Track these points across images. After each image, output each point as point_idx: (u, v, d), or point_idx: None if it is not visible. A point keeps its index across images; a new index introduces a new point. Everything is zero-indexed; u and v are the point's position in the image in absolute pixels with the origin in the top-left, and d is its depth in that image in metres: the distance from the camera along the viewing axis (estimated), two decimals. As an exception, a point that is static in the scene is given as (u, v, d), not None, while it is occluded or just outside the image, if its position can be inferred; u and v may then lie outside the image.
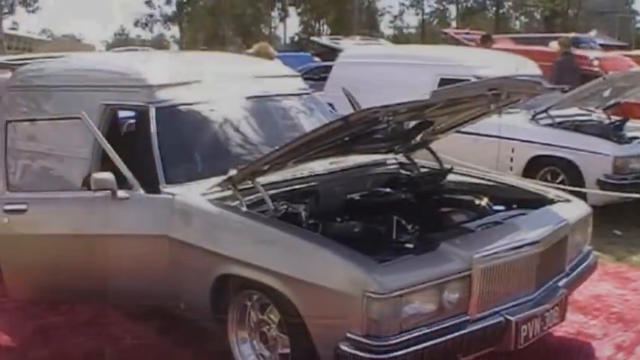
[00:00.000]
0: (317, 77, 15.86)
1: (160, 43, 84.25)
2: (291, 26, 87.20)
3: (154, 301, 5.59)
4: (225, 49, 49.27)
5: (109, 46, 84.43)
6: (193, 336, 5.64)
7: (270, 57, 9.70)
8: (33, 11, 75.02)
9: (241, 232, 4.81)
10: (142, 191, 5.31)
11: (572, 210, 5.46)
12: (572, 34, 28.80)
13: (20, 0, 73.66)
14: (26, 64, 8.33)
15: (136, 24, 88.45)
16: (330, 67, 13.71)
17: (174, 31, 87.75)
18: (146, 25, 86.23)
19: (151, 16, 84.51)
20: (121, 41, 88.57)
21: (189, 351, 5.63)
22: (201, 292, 4.98)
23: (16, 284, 5.87)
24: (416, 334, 4.16)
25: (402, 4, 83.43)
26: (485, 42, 14.19)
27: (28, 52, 46.65)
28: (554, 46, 13.67)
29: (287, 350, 4.63)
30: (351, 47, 16.22)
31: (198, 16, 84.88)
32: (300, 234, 4.59)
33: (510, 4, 79.33)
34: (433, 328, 4.23)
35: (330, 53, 23.88)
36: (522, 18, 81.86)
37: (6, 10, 70.46)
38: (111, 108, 5.99)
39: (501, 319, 4.48)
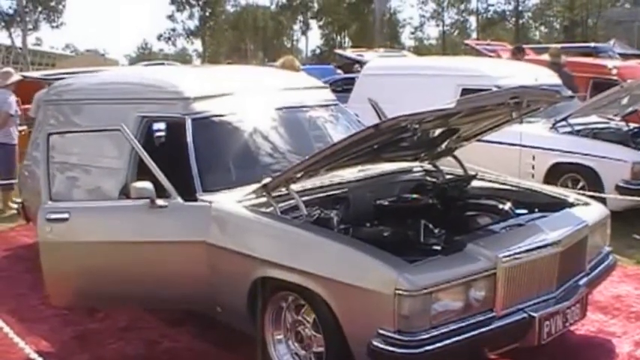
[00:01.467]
0: (340, 89, 16.00)
1: (182, 57, 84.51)
2: (312, 39, 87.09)
3: (191, 305, 5.80)
4: (247, 63, 49.50)
5: (132, 61, 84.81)
6: (229, 339, 5.81)
7: (295, 70, 9.86)
8: (57, 27, 75.37)
9: (277, 236, 5.00)
10: (179, 199, 5.50)
11: (591, 212, 5.65)
12: (592, 44, 28.88)
13: (44, 16, 74.00)
14: (61, 78, 8.59)
15: (158, 38, 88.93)
16: (354, 79, 13.85)
17: (197, 45, 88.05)
18: (169, 39, 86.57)
19: (174, 30, 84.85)
20: (144, 56, 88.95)
21: (225, 354, 5.81)
22: (238, 295, 5.18)
23: (58, 291, 6.01)
24: (444, 329, 4.35)
25: (423, 16, 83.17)
26: (518, 54, 14.25)
27: (52, 67, 47.05)
28: (546, 57, 13.76)
29: (321, 349, 4.82)
30: (375, 59, 16.34)
31: (221, 30, 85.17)
32: (333, 237, 4.81)
33: (530, 14, 79.04)
34: (461, 324, 4.42)
35: (351, 65, 24.05)
36: (542, 28, 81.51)
37: (30, 27, 70.86)
38: (147, 120, 6.21)
39: (525, 315, 4.67)
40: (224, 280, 5.32)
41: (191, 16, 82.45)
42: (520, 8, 77.02)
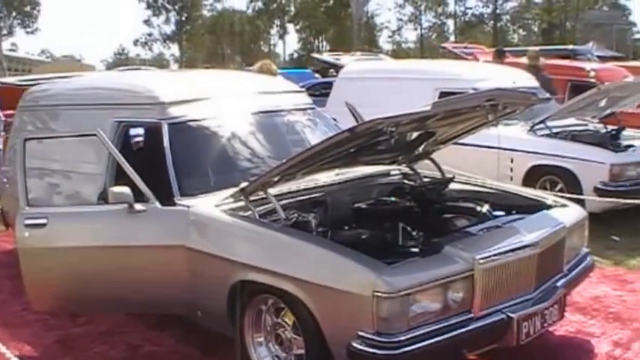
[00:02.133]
0: (318, 93, 16.03)
1: (160, 62, 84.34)
2: (290, 43, 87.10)
3: (172, 309, 5.79)
4: (225, 67, 49.45)
5: (109, 66, 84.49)
6: (211, 342, 5.82)
7: (272, 74, 9.87)
8: (32, 32, 75.15)
9: (255, 240, 5.02)
10: (157, 204, 5.50)
11: (568, 214, 5.68)
12: (570, 47, 29.05)
13: (19, 21, 73.74)
14: (37, 84, 8.56)
15: (135, 43, 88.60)
16: (331, 83, 13.88)
17: (174, 49, 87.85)
18: (145, 44, 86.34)
19: (150, 35, 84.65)
20: (121, 61, 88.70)
21: (207, 357, 5.81)
22: (217, 298, 5.18)
23: (38, 296, 5.99)
24: (423, 331, 4.37)
25: (400, 20, 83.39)
26: (500, 57, 14.30)
27: (28, 73, 46.83)
28: (524, 59, 13.84)
29: (301, 351, 4.82)
30: (352, 63, 16.38)
31: (197, 35, 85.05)
32: (311, 240, 4.82)
33: (508, 17, 79.42)
34: (439, 326, 4.44)
35: (329, 70, 24.10)
36: (520, 31, 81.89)
37: (5, 32, 70.58)
38: (124, 125, 6.21)
39: (503, 316, 4.69)
40: (204, 283, 5.32)
41: (167, 21, 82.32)
42: (498, 11, 77.42)
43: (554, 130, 9.89)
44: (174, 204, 5.48)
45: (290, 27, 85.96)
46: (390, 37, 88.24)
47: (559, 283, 5.29)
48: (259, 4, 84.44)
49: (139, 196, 5.50)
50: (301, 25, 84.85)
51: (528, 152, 9.73)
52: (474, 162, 9.13)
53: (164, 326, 6.32)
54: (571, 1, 70.54)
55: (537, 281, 5.02)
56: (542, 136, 9.85)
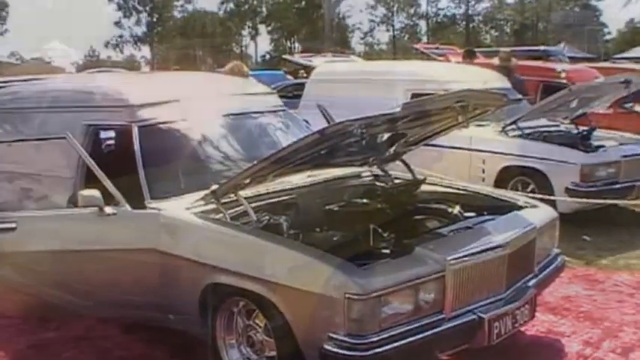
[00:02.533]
0: (290, 95, 16.02)
1: (131, 64, 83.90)
2: (262, 44, 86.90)
3: (143, 313, 5.76)
4: (196, 69, 49.30)
5: (80, 68, 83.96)
6: (183, 346, 5.77)
7: (243, 75, 9.84)
8: (1, 34, 74.62)
9: (226, 242, 4.99)
10: (128, 207, 5.47)
11: (539, 215, 5.72)
12: (542, 47, 29.24)
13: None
14: (2, 87, 8.47)
15: (106, 45, 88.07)
16: (304, 84, 13.88)
17: (145, 51, 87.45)
18: (116, 46, 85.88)
19: (121, 36, 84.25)
20: (92, 63, 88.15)
21: (178, 361, 5.78)
22: (189, 301, 5.16)
23: (8, 300, 5.96)
24: (394, 332, 4.38)
25: (372, 21, 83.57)
26: (469, 57, 14.35)
27: (-2, 75, 46.38)
28: (496, 60, 13.92)
29: (273, 353, 4.81)
30: (323, 65, 16.38)
31: (169, 36, 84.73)
32: (283, 242, 4.82)
33: (480, 18, 79.81)
34: (410, 327, 4.45)
35: (299, 71, 24.09)
36: (492, 32, 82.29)
37: (-27, 35, 70.11)
38: (93, 128, 6.17)
39: (474, 317, 4.72)
40: (175, 287, 5.28)
41: (138, 22, 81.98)
42: (470, 12, 77.78)
43: (526, 131, 9.94)
44: (144, 207, 5.45)
45: (262, 28, 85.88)
46: (362, 38, 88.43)
47: (530, 284, 5.32)
48: (231, 5, 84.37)
49: (109, 200, 5.48)
50: (273, 26, 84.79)
51: (500, 153, 9.76)
52: (445, 163, 9.16)
53: (135, 330, 6.25)
54: (542, 2, 70.98)
55: (508, 281, 5.05)
56: (514, 137, 9.89)
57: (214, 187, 5.22)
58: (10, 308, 6.04)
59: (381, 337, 4.32)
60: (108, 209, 5.42)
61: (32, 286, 5.87)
